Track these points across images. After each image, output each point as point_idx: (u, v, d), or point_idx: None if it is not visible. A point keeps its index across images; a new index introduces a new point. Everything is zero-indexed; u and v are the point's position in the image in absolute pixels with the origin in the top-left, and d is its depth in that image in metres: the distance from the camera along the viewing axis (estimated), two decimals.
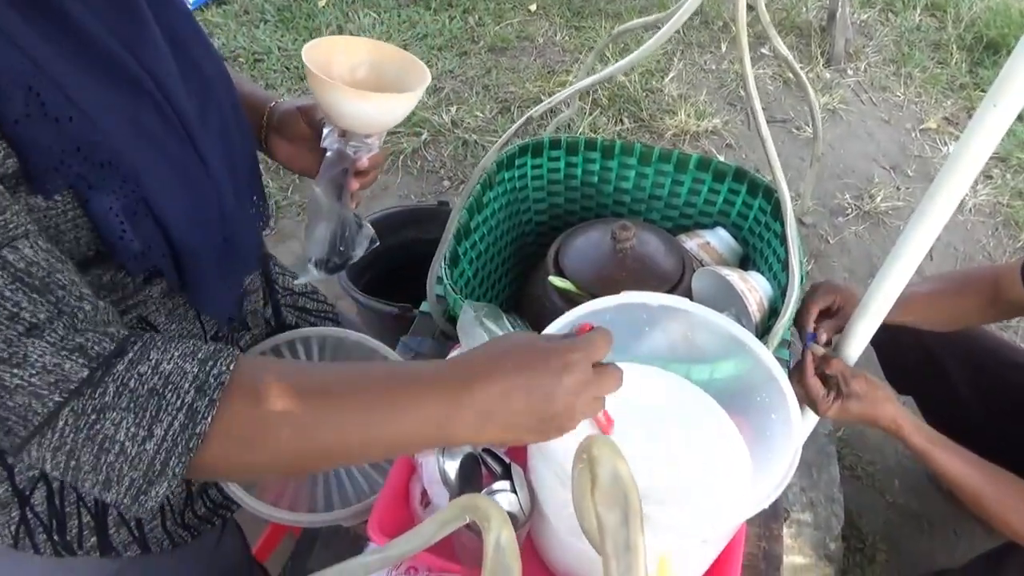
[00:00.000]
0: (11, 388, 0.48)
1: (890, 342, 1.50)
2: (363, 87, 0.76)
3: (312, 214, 0.84)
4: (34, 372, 0.48)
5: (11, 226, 0.49)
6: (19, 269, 0.49)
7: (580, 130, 2.46)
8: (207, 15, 2.92)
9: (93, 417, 0.49)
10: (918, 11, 3.25)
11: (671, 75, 2.74)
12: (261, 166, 0.84)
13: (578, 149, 1.32)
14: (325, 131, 0.79)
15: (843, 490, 1.51)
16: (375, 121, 0.76)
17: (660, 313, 0.82)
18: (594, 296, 1.17)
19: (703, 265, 1.25)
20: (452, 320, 0.99)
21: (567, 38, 2.90)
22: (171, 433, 0.50)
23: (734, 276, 1.07)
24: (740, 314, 1.08)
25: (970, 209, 2.40)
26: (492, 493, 0.73)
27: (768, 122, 2.63)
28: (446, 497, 0.78)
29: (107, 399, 0.49)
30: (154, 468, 0.50)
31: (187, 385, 0.51)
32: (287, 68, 2.69)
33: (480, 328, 0.78)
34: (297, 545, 0.85)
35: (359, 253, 0.89)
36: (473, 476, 0.75)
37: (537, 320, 1.09)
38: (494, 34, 2.88)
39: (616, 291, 1.11)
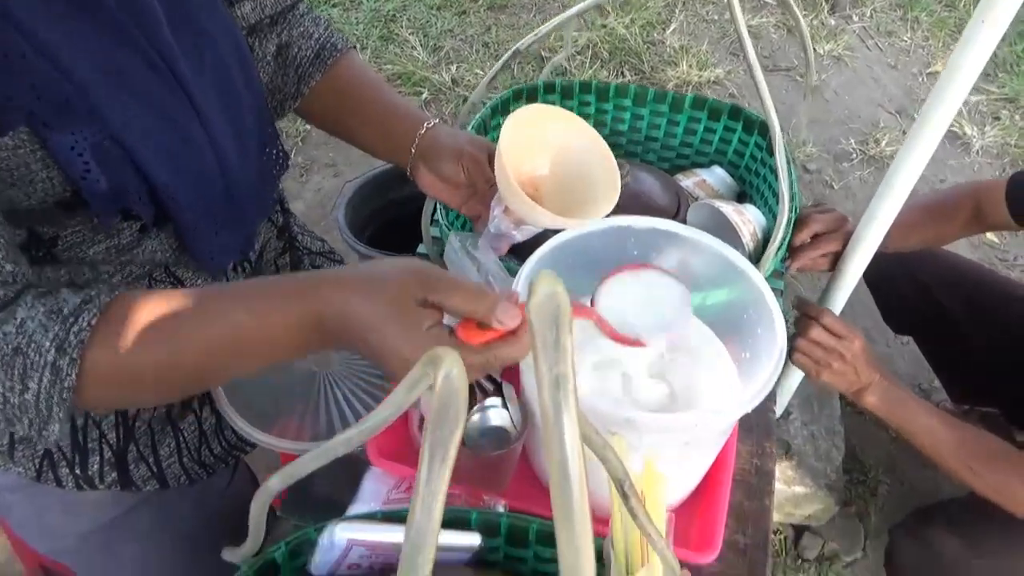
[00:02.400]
0: None
1: (886, 283, 1.51)
2: (542, 176, 0.78)
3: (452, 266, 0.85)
4: None
5: None
6: None
7: None
8: None
9: None
10: None
11: (672, 27, 2.71)
12: None
13: (573, 92, 1.32)
14: (494, 203, 0.80)
15: (845, 424, 1.53)
16: (549, 227, 0.77)
17: (648, 238, 0.83)
18: None
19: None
20: None
21: None
22: (43, 388, 0.54)
23: (728, 208, 1.09)
24: (736, 246, 1.09)
25: (977, 151, 2.38)
26: (484, 410, 0.75)
27: (771, 70, 2.61)
28: None
29: None
30: (41, 414, 0.55)
31: (47, 344, 0.53)
32: None
33: (467, 259, 0.80)
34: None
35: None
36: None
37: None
38: None
39: None
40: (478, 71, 2.52)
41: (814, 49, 2.69)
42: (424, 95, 2.47)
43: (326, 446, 0.42)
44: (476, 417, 0.75)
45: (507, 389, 0.76)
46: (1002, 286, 1.43)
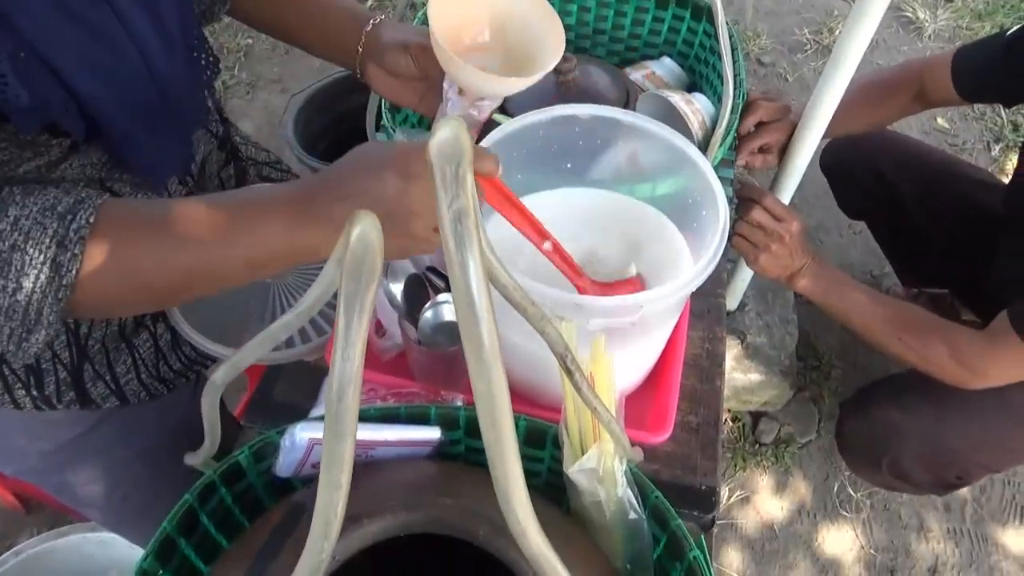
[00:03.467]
0: None
1: (841, 168, 1.52)
2: (484, 43, 0.74)
3: None
4: None
5: None
6: None
7: None
8: None
9: None
10: None
11: None
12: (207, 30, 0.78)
13: None
14: (445, 86, 0.76)
15: (798, 313, 1.58)
16: (502, 93, 0.75)
17: (595, 126, 0.82)
18: None
19: None
20: None
21: None
22: (39, 286, 0.53)
23: (676, 98, 1.08)
24: (685, 135, 1.08)
25: (929, 35, 2.37)
26: (436, 305, 0.76)
27: None
28: (395, 320, 0.81)
29: None
30: (29, 317, 0.53)
31: (47, 240, 0.52)
32: None
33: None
34: (261, 382, 0.89)
35: None
36: (418, 295, 0.78)
37: None
38: None
39: None
40: None
41: None
42: (369, 1, 2.37)
43: (266, 331, 0.42)
44: (429, 313, 0.75)
45: None
46: (954, 167, 1.46)
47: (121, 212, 0.56)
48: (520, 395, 0.82)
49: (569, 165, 0.86)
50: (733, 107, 0.98)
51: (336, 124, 1.72)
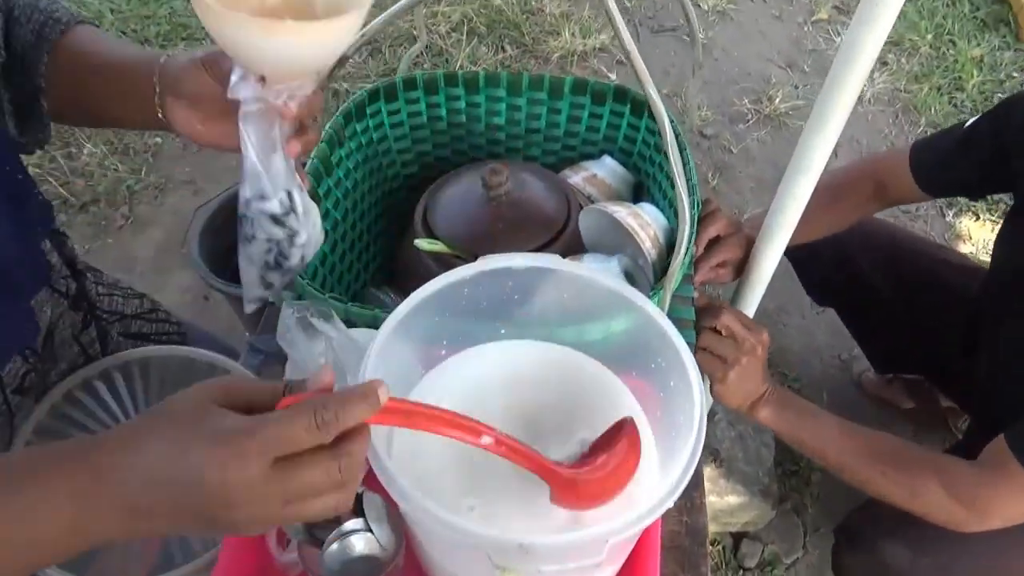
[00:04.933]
0: None
1: (806, 252, 1.41)
2: (279, 15, 0.53)
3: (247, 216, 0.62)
4: None
5: None
6: None
7: (459, 63, 2.27)
8: None
9: None
10: None
11: None
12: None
13: (437, 86, 1.14)
14: (233, 78, 0.56)
15: None
16: (300, 60, 0.54)
17: (530, 276, 0.68)
18: (469, 257, 1.02)
19: (591, 201, 1.12)
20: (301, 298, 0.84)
21: None
22: None
23: (622, 212, 0.94)
24: (635, 254, 0.95)
25: (869, 100, 2.33)
26: (343, 537, 0.58)
27: (657, 32, 2.49)
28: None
29: None
30: None
31: None
32: (123, 33, 2.37)
33: (304, 335, 0.63)
34: None
35: (314, 246, 0.66)
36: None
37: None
38: None
39: (494, 246, 0.96)
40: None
41: (697, 5, 2.58)
42: None
43: None
44: (335, 547, 0.58)
45: (370, 501, 0.59)
46: (925, 250, 1.36)
47: None
48: None
49: (500, 320, 0.71)
50: (690, 227, 0.84)
51: None
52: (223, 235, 1.52)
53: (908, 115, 2.31)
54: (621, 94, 1.12)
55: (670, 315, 0.76)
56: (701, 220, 1.02)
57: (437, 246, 0.98)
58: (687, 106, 1.15)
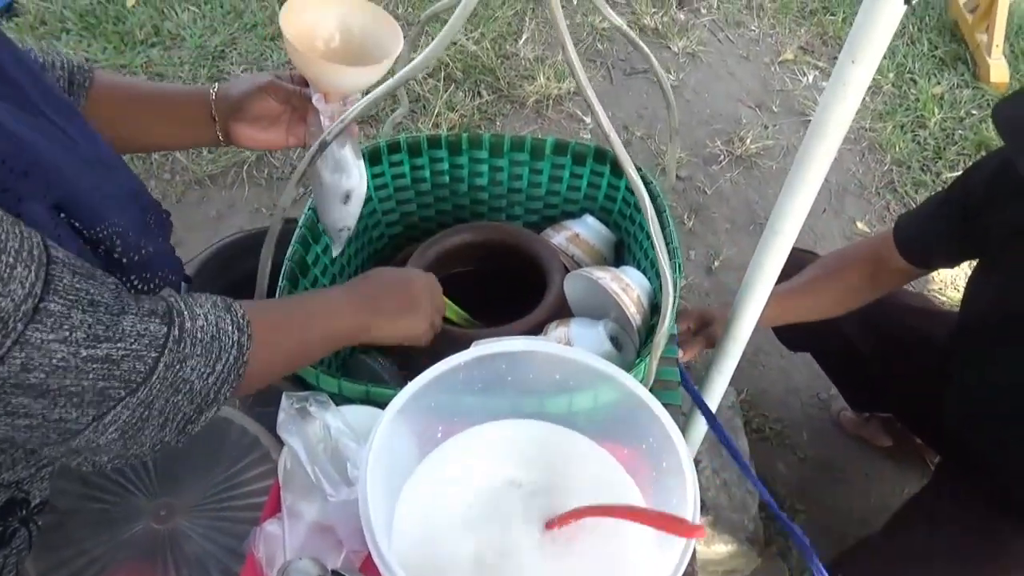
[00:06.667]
0: (118, 359, 0.54)
1: None
2: (336, 48, 0.84)
3: (322, 182, 0.86)
4: (132, 340, 0.55)
5: (31, 233, 0.51)
6: (69, 263, 0.53)
7: (436, 109, 2.30)
8: None
9: (177, 367, 0.57)
10: None
11: (524, 37, 2.59)
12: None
13: (421, 149, 1.17)
14: (313, 98, 0.82)
15: (754, 457, 1.46)
16: (353, 86, 0.82)
17: (523, 357, 0.70)
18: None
19: (575, 261, 1.14)
20: (299, 380, 0.85)
21: (409, 9, 2.70)
22: (227, 367, 0.61)
23: (606, 277, 0.96)
24: (620, 319, 0.97)
25: None
26: None
27: (629, 74, 2.53)
28: None
29: (186, 349, 0.58)
30: (208, 398, 0.61)
31: (230, 328, 0.62)
32: None
33: (303, 423, 0.64)
34: None
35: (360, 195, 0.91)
36: None
37: (405, 355, 0.96)
38: None
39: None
40: None
41: (668, 47, 2.65)
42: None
43: None
44: None
45: None
46: (895, 297, 1.40)
47: (253, 307, 0.67)
48: None
49: (493, 398, 0.73)
50: (674, 298, 0.87)
51: (233, 291, 1.54)
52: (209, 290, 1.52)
53: (874, 153, 2.38)
54: (601, 155, 1.15)
55: (656, 377, 0.79)
56: (679, 315, 1.06)
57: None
58: (667, 167, 1.18)
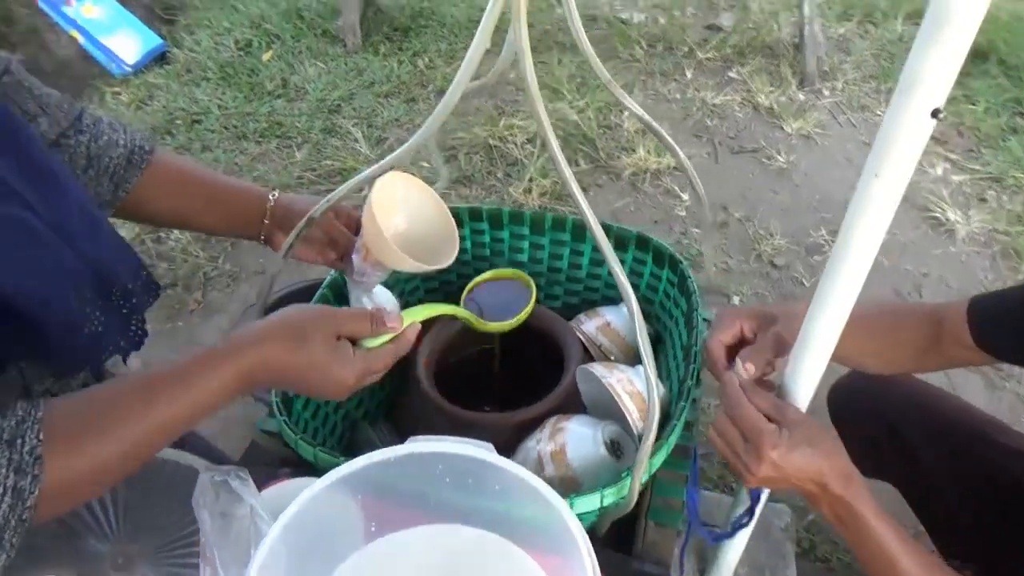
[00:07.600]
0: None
1: (849, 417, 1.29)
2: (401, 231, 0.90)
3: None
4: None
5: None
6: None
7: (528, 175, 2.29)
8: (148, 76, 2.81)
9: None
10: (900, 20, 3.04)
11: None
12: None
13: (463, 220, 1.15)
14: (355, 251, 0.89)
15: None
16: (402, 266, 0.86)
17: (462, 462, 0.64)
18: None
19: (602, 351, 1.07)
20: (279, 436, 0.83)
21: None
22: (1, 514, 0.52)
23: (613, 378, 0.89)
24: (624, 423, 0.89)
25: (963, 239, 2.17)
26: None
27: (737, 152, 2.43)
28: None
29: None
30: None
31: (4, 471, 0.52)
32: (225, 128, 2.56)
33: (222, 500, 0.61)
34: None
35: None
36: None
37: (411, 429, 0.93)
38: (443, 76, 2.73)
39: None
40: (424, 163, 2.37)
41: (780, 127, 2.53)
42: (364, 191, 2.31)
43: None
44: None
45: None
46: (982, 428, 1.21)
47: (66, 412, 0.57)
48: None
49: (424, 500, 0.67)
50: (672, 414, 0.78)
51: None
52: None
53: (1007, 259, 2.13)
54: (643, 242, 1.08)
55: (655, 494, 0.71)
56: (711, 328, 0.89)
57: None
58: (704, 264, 1.09)
